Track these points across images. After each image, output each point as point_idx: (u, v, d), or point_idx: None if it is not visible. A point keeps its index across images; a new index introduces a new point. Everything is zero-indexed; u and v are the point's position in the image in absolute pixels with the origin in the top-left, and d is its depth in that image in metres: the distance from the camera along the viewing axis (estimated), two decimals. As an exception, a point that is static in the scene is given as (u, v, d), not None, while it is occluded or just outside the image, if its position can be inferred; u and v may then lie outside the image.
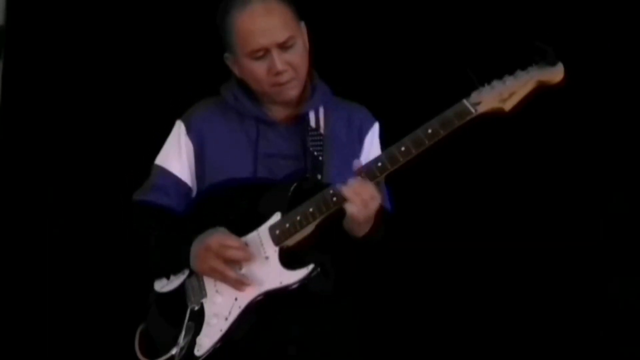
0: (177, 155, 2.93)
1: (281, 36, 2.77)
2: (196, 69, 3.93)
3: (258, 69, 2.81)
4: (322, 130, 2.89)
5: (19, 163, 4.23)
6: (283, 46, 2.78)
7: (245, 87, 2.91)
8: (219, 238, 2.74)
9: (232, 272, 2.73)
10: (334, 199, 2.69)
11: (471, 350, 3.89)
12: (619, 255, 3.78)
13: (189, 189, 2.93)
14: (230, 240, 2.74)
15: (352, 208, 2.64)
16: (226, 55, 2.88)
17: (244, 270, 2.75)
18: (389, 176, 2.73)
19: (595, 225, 3.80)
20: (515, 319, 3.86)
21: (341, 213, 2.70)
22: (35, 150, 4.23)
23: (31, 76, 4.25)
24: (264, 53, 2.79)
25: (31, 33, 4.27)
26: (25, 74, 4.26)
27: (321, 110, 2.92)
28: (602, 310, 3.79)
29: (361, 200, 2.64)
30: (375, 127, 2.97)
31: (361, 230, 2.72)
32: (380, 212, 2.72)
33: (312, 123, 2.90)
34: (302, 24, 2.88)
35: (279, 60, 2.78)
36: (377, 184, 2.70)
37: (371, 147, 2.93)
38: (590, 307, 3.80)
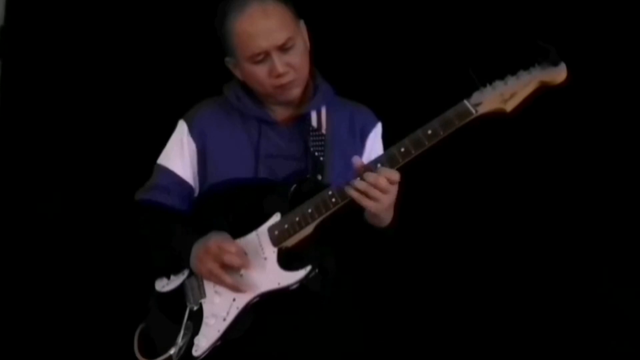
0: (179, 155, 2.93)
1: (280, 38, 2.77)
2: (198, 68, 3.91)
3: (259, 72, 2.81)
4: (323, 130, 2.89)
5: (19, 163, 4.22)
6: (283, 48, 2.78)
7: (247, 88, 2.91)
8: (218, 241, 2.73)
9: (228, 277, 2.72)
10: (333, 199, 2.68)
11: (474, 350, 3.88)
12: (619, 258, 3.78)
13: (191, 188, 2.93)
14: (229, 245, 2.73)
15: (368, 202, 2.62)
16: (227, 59, 2.89)
17: (242, 270, 2.75)
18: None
19: (595, 227, 3.79)
20: (518, 319, 3.84)
21: (342, 212, 2.69)
22: (35, 151, 4.22)
23: (31, 76, 4.25)
24: (264, 56, 2.79)
25: (31, 33, 4.27)
26: (25, 74, 4.26)
27: (323, 110, 2.92)
28: (602, 312, 3.78)
29: (378, 193, 2.60)
30: (378, 127, 2.97)
31: (385, 219, 2.71)
32: (398, 202, 2.71)
33: (314, 123, 2.89)
34: (302, 22, 2.88)
35: (279, 62, 2.78)
36: None
37: (373, 147, 2.92)
38: (590, 308, 3.79)
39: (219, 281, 2.74)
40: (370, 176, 2.60)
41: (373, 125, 2.96)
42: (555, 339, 3.81)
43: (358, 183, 2.61)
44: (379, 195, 2.60)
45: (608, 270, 3.78)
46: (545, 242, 3.82)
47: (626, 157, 3.74)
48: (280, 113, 2.91)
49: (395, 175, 2.61)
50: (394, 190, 2.63)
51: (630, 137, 3.73)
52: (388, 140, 2.88)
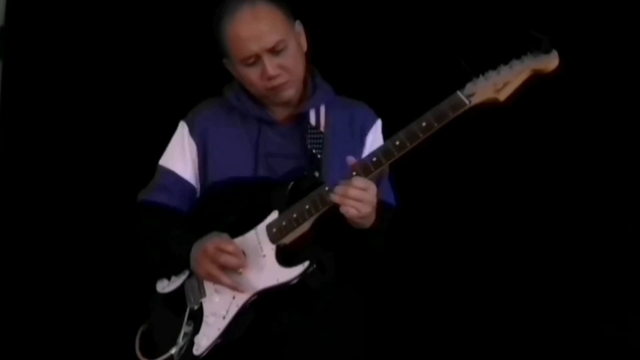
0: (181, 156, 2.94)
1: (270, 41, 2.78)
2: (199, 69, 3.90)
3: (251, 75, 2.83)
4: (322, 129, 2.89)
5: (19, 163, 4.23)
6: (273, 51, 2.79)
7: (247, 89, 2.91)
8: (215, 243, 2.74)
9: (225, 278, 2.73)
10: (330, 196, 2.67)
11: (475, 348, 3.87)
12: (619, 256, 3.76)
13: (193, 188, 2.94)
14: (227, 245, 2.73)
15: (349, 211, 2.62)
16: (225, 60, 2.90)
17: (241, 269, 2.75)
18: (395, 170, 2.72)
19: (595, 224, 3.78)
20: (517, 319, 3.84)
21: (338, 209, 2.66)
22: (36, 151, 4.23)
23: (31, 76, 4.26)
24: (255, 59, 2.80)
25: (31, 33, 4.28)
26: (25, 74, 4.28)
27: (322, 109, 2.92)
28: (601, 313, 3.77)
29: (353, 202, 2.60)
30: (378, 124, 2.96)
31: (366, 224, 2.69)
32: (380, 202, 2.69)
33: (313, 121, 2.90)
34: (297, 23, 2.89)
35: (270, 65, 2.79)
36: (381, 176, 2.69)
37: (373, 145, 2.89)
38: (589, 308, 3.78)
39: (217, 282, 2.75)
40: (339, 189, 2.61)
41: (372, 123, 2.96)
42: (554, 338, 3.80)
43: (333, 196, 2.62)
44: (355, 204, 2.60)
45: (608, 269, 3.76)
46: (544, 239, 3.81)
47: (623, 150, 3.72)
48: (279, 112, 2.91)
49: (360, 182, 2.60)
50: (367, 197, 2.62)
51: (626, 127, 3.72)
52: (388, 137, 2.85)
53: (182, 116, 2.98)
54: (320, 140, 2.87)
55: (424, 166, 2.73)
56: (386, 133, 2.88)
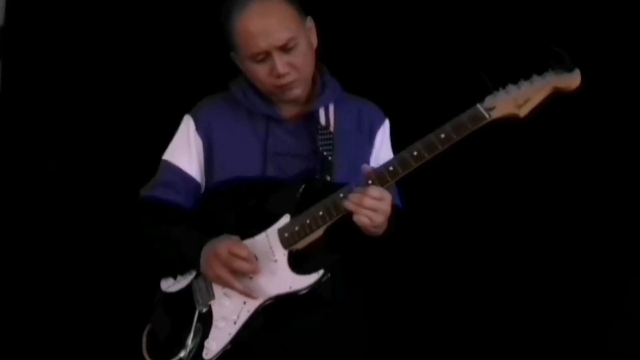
0: (186, 151, 2.88)
1: (280, 39, 2.74)
2: (204, 63, 3.88)
3: (260, 71, 2.78)
4: (331, 129, 2.85)
5: (19, 163, 4.21)
6: (284, 48, 2.74)
7: (254, 84, 2.87)
8: (228, 246, 2.69)
9: (237, 283, 2.70)
10: (345, 203, 2.65)
11: (478, 350, 3.89)
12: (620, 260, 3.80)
13: (198, 185, 2.88)
14: (240, 250, 2.69)
15: (361, 219, 2.61)
16: (232, 54, 2.85)
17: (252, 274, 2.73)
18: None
19: (600, 229, 3.81)
20: (526, 326, 3.86)
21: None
22: (36, 151, 4.20)
23: (31, 76, 4.23)
24: (264, 56, 2.75)
25: (31, 33, 4.25)
26: (25, 74, 4.24)
27: (331, 107, 2.88)
28: (603, 313, 3.80)
29: (367, 211, 2.60)
30: (386, 125, 2.94)
31: (378, 232, 2.68)
32: (393, 209, 2.67)
33: (322, 120, 2.85)
34: (309, 20, 2.84)
35: (279, 62, 2.74)
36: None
37: (382, 145, 2.90)
38: (591, 308, 3.81)
39: (229, 287, 2.72)
40: (354, 197, 2.60)
41: (381, 122, 2.93)
42: (559, 342, 3.82)
43: (347, 203, 2.61)
44: (370, 213, 2.60)
45: (609, 272, 3.80)
46: (549, 242, 3.83)
47: (635, 163, 3.75)
48: (288, 110, 2.87)
49: (376, 192, 2.60)
50: (382, 207, 2.61)
51: (626, 134, 3.74)
52: (397, 140, 2.87)
53: (184, 111, 2.93)
54: (331, 142, 2.83)
55: (428, 168, 2.72)
56: (396, 135, 2.88)
